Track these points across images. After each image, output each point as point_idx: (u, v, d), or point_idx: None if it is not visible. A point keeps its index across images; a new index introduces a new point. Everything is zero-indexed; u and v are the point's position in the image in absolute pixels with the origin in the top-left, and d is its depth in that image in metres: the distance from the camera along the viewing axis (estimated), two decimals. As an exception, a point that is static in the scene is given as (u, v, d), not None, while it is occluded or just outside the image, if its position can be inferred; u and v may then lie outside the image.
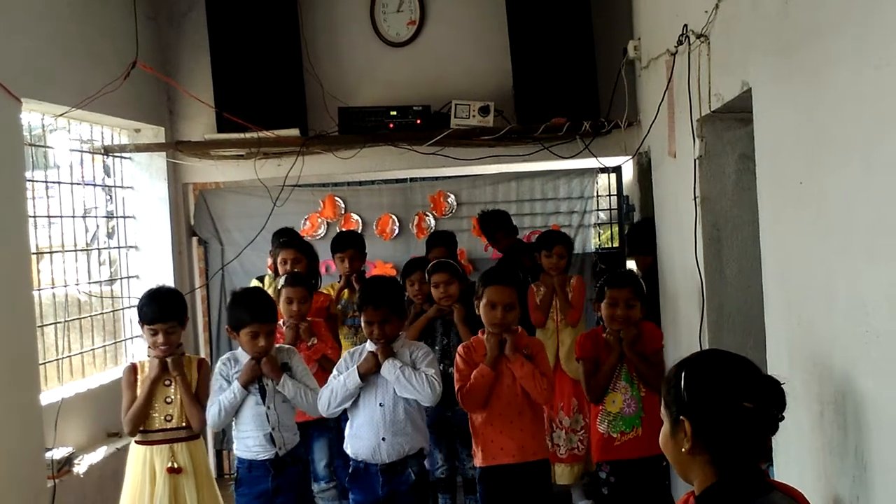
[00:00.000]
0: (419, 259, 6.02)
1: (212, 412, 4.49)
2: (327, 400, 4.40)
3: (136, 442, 4.62)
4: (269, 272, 6.19)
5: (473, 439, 4.53)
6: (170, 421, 4.58)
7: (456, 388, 4.45)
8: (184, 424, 4.60)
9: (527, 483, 4.41)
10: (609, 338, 4.54)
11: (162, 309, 4.58)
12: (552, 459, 5.73)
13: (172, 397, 4.59)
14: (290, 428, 4.58)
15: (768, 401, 2.09)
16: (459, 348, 4.57)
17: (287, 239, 6.02)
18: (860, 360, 2.23)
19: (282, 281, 5.41)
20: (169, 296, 4.71)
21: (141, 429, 4.57)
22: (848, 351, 2.32)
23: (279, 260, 5.76)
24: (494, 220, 6.50)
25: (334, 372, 4.50)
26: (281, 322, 5.24)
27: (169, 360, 4.54)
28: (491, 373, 4.36)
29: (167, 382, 4.59)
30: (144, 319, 4.57)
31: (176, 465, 4.54)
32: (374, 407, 4.35)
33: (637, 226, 6.50)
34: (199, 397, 4.62)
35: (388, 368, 4.32)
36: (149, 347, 4.66)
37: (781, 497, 2.11)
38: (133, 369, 4.63)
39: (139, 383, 4.58)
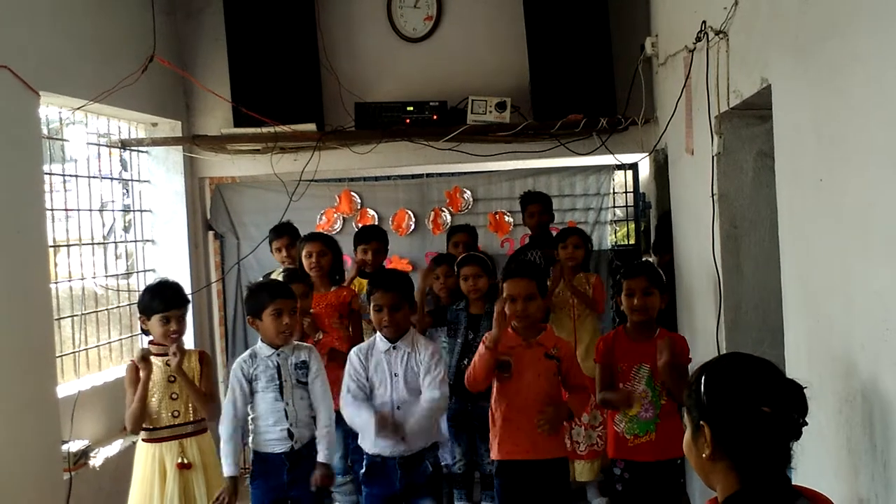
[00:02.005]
0: (445, 254, 6.06)
1: (222, 417, 4.52)
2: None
3: (144, 440, 4.63)
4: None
5: (491, 430, 4.51)
6: (177, 417, 4.59)
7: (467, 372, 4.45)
8: (191, 419, 4.62)
9: (543, 480, 4.39)
10: (637, 388, 4.42)
11: (173, 296, 4.64)
12: (572, 457, 5.72)
13: (178, 393, 4.60)
14: (306, 423, 4.59)
15: (789, 406, 2.06)
16: (484, 336, 4.50)
17: (309, 233, 6.03)
18: (880, 357, 2.21)
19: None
20: (174, 285, 4.80)
21: (149, 426, 4.58)
22: (867, 348, 2.31)
23: (304, 253, 5.74)
24: (534, 194, 6.51)
25: (346, 378, 4.47)
26: None
27: (172, 364, 4.54)
28: (488, 355, 4.30)
29: (171, 378, 4.60)
30: (156, 310, 4.58)
31: (186, 461, 4.55)
32: (392, 409, 4.34)
33: (659, 222, 6.47)
34: (204, 389, 4.65)
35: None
36: (150, 343, 4.66)
37: None
38: (135, 367, 4.60)
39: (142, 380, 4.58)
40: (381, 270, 5.76)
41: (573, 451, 5.75)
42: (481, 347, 4.35)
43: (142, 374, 4.52)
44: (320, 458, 4.47)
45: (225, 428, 4.45)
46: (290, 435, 4.48)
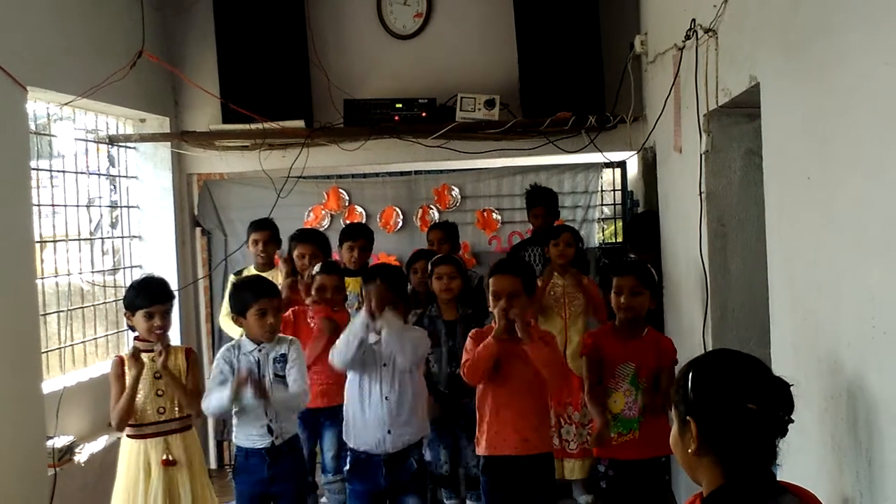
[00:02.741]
0: (424, 250, 6.06)
1: (205, 405, 4.50)
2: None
3: (129, 436, 4.58)
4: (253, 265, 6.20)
5: (478, 425, 4.48)
6: (163, 413, 4.56)
7: (462, 361, 4.40)
8: (177, 416, 4.59)
9: (529, 476, 4.39)
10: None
11: (157, 291, 4.60)
12: (562, 455, 5.72)
13: (164, 389, 4.57)
14: (288, 417, 4.57)
15: (774, 403, 2.06)
16: (472, 332, 4.49)
17: (302, 232, 6.04)
18: (867, 355, 2.22)
19: (316, 268, 5.39)
20: (159, 280, 4.75)
21: (134, 422, 4.54)
22: (854, 346, 2.31)
23: (296, 254, 5.75)
24: (538, 195, 6.44)
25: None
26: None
27: (157, 362, 4.50)
28: (495, 346, 4.23)
29: (157, 375, 4.57)
30: (141, 305, 4.53)
31: (171, 458, 4.52)
32: (380, 400, 4.33)
33: (634, 221, 6.47)
34: (191, 386, 4.62)
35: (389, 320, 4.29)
36: (136, 339, 4.63)
37: (792, 499, 2.08)
38: (120, 362, 4.56)
39: (127, 376, 4.54)
40: (376, 266, 5.73)
41: (563, 450, 5.74)
42: (486, 342, 4.27)
43: (131, 371, 4.48)
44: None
45: (210, 401, 4.45)
46: (270, 430, 4.47)
